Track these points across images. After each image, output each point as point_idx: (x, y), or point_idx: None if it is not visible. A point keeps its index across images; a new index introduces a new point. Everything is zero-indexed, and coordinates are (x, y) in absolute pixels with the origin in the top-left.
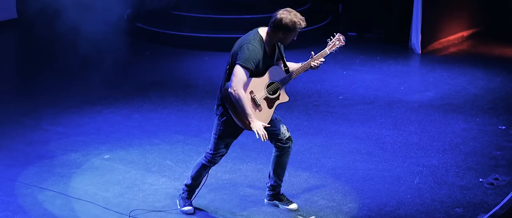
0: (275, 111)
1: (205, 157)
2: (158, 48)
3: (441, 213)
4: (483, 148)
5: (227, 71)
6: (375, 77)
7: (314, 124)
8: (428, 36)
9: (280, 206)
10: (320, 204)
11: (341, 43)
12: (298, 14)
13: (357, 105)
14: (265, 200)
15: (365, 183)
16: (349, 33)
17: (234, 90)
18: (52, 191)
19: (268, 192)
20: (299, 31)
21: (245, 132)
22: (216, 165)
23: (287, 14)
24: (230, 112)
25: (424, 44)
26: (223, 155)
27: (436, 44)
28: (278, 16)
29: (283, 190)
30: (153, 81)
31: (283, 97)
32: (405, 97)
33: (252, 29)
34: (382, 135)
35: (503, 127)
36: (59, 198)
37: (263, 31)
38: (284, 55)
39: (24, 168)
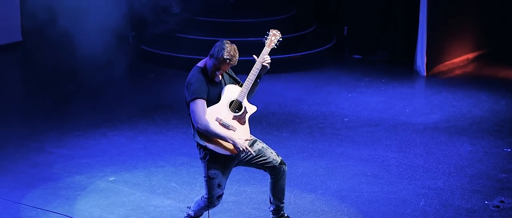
0: (260, 140)
1: (203, 201)
2: (163, 70)
3: None
4: (489, 171)
5: (189, 116)
6: (380, 100)
7: (319, 146)
8: (433, 58)
9: None
10: None
11: (278, 37)
12: (233, 50)
13: (362, 127)
14: None
15: (370, 205)
16: (354, 56)
17: (199, 124)
18: (57, 213)
19: (272, 216)
20: (228, 67)
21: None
22: (219, 202)
23: (223, 44)
24: (209, 147)
25: (429, 66)
26: (220, 196)
27: (441, 67)
28: (219, 48)
29: (288, 212)
30: (158, 104)
31: (251, 109)
32: (410, 120)
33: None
34: (388, 157)
35: (509, 149)
36: None
37: (202, 63)
38: (234, 75)
39: (28, 191)
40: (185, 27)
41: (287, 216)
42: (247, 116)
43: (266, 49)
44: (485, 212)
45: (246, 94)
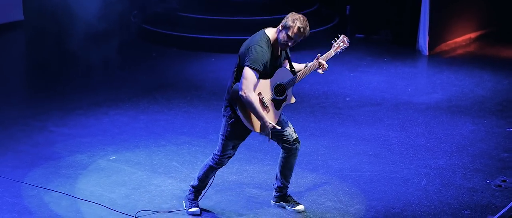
0: (282, 112)
1: (212, 158)
2: (164, 50)
3: (449, 215)
4: (491, 150)
5: (235, 73)
6: (382, 79)
7: (321, 126)
8: (436, 38)
9: (287, 207)
10: (327, 205)
11: (345, 45)
12: (305, 21)
13: (364, 107)
14: (272, 201)
15: (372, 184)
16: (356, 35)
17: (245, 93)
18: (58, 192)
19: (274, 193)
20: (301, 38)
21: (252, 133)
22: (223, 166)
23: (301, 20)
24: (238, 113)
25: (431, 46)
26: (230, 157)
27: (444, 46)
28: (291, 19)
29: (290, 191)
30: (159, 83)
31: (290, 99)
32: (412, 99)
33: (259, 30)
34: (389, 136)
35: (511, 129)
36: (65, 199)
37: (270, 31)
38: (290, 57)
39: (30, 170)
40: (187, 6)
41: (289, 195)
42: (284, 104)
43: (331, 53)
44: (487, 191)
45: (293, 85)
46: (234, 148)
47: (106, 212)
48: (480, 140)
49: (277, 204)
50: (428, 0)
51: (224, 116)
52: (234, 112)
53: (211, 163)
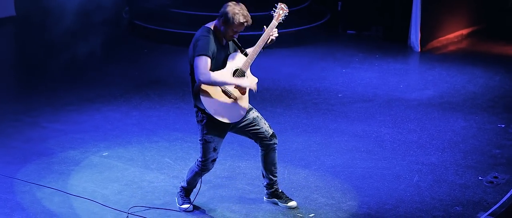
0: (256, 109)
1: (197, 165)
2: (156, 46)
3: (441, 211)
4: (483, 146)
5: (191, 77)
6: (374, 76)
7: (313, 122)
8: (428, 34)
9: (280, 203)
10: (319, 201)
11: (285, 11)
12: (245, 11)
13: (356, 103)
14: (264, 197)
15: (364, 181)
16: (348, 32)
17: (202, 77)
18: (51, 188)
19: (266, 191)
20: (242, 29)
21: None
22: (215, 163)
23: (233, 6)
24: (207, 111)
25: (423, 42)
26: (214, 160)
27: (435, 43)
28: (226, 7)
29: (282, 187)
30: (152, 79)
31: (252, 79)
32: (404, 96)
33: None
34: (382, 133)
35: (503, 125)
36: (57, 195)
37: (211, 24)
38: (239, 44)
39: (22, 165)
40: (178, 1)
41: (281, 191)
42: (248, 88)
43: (274, 23)
44: (479, 187)
45: (250, 65)
46: (216, 150)
47: (98, 208)
48: (472, 136)
49: (270, 200)
50: None
51: (197, 122)
52: (203, 111)
53: (196, 169)
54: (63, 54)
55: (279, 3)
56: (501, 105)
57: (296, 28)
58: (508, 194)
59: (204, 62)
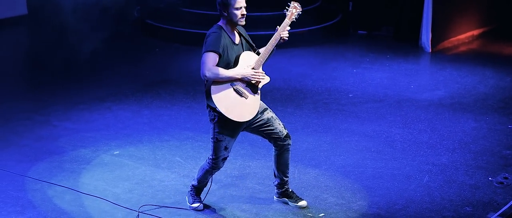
0: (271, 109)
1: (208, 163)
2: (168, 45)
3: (451, 212)
4: (493, 147)
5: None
6: (385, 76)
7: (324, 122)
8: (438, 34)
9: (290, 203)
10: (329, 201)
11: (298, 10)
12: None
13: (367, 103)
14: (275, 197)
15: (374, 181)
16: (359, 32)
17: (208, 72)
18: (62, 186)
19: (276, 190)
20: (243, 8)
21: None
22: (226, 162)
23: None
24: (218, 110)
25: (434, 42)
26: (225, 159)
27: (446, 43)
28: None
29: (292, 187)
30: (163, 78)
31: (264, 79)
32: (415, 96)
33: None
34: (392, 133)
35: None
36: (68, 194)
37: (219, 22)
38: (252, 43)
39: (33, 164)
40: (190, 1)
41: (291, 190)
42: (260, 85)
43: (287, 21)
44: (489, 188)
45: (262, 64)
46: (227, 149)
47: (109, 207)
48: (482, 137)
49: (280, 200)
50: None
51: (210, 120)
52: (215, 110)
53: (207, 167)
54: (74, 53)
55: (292, 2)
56: None
57: (307, 28)
58: None
59: (211, 58)
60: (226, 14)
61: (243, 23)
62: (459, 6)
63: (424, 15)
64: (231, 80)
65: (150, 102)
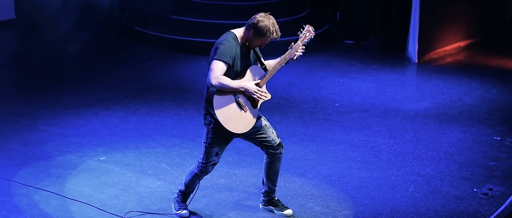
0: (265, 117)
1: (197, 166)
2: (155, 51)
3: None
4: (478, 158)
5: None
6: (372, 86)
7: (310, 131)
8: (425, 45)
9: (275, 211)
10: (315, 210)
11: (311, 34)
12: (276, 24)
13: (353, 113)
14: (260, 205)
15: (360, 190)
16: (346, 41)
17: (214, 80)
18: (48, 191)
19: (263, 198)
20: (270, 41)
21: (236, 141)
22: (213, 169)
23: (266, 19)
24: (216, 117)
25: (421, 53)
26: (215, 164)
27: (433, 54)
28: (257, 17)
29: (278, 195)
30: (150, 85)
31: (267, 96)
32: (401, 106)
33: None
34: (378, 143)
35: (498, 138)
36: (54, 199)
37: (237, 31)
38: (260, 56)
39: (19, 168)
40: (179, 8)
41: (277, 199)
42: (260, 101)
43: (299, 43)
44: (474, 199)
45: (267, 81)
46: (218, 154)
47: (95, 212)
48: (467, 148)
49: (266, 208)
50: (418, 8)
51: (204, 124)
52: (212, 116)
53: (196, 171)
54: (62, 58)
55: (307, 25)
56: (497, 118)
57: (294, 37)
58: (503, 207)
59: (220, 67)
60: (252, 36)
61: (255, 47)
62: (446, 18)
63: (411, 26)
64: (234, 92)
65: (137, 108)
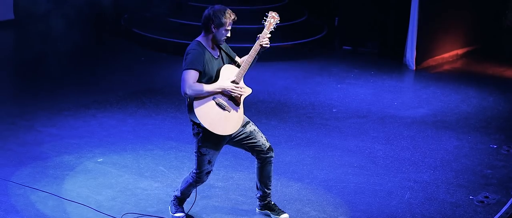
0: (253, 122)
1: (191, 176)
2: (154, 54)
3: None
4: (474, 166)
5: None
6: (369, 92)
7: (307, 136)
8: (423, 53)
9: (272, 216)
10: (311, 215)
11: (276, 20)
12: (227, 9)
13: (350, 118)
14: (257, 209)
15: (356, 196)
16: (344, 47)
17: (187, 89)
18: (45, 192)
19: (259, 202)
20: (230, 26)
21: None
22: (208, 178)
23: (213, 8)
24: (202, 125)
25: (418, 60)
26: (209, 172)
27: (431, 61)
28: (205, 12)
29: (275, 199)
30: (148, 87)
31: (246, 91)
32: (398, 113)
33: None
34: (375, 149)
35: (495, 146)
36: (51, 199)
37: (200, 38)
38: (233, 55)
39: (17, 168)
40: (177, 11)
41: (273, 203)
42: (242, 98)
43: (265, 31)
44: (470, 207)
45: (243, 76)
46: (210, 162)
47: (92, 214)
48: (464, 156)
49: (262, 212)
50: (416, 14)
51: (193, 135)
52: (199, 125)
53: (190, 180)
54: (60, 59)
55: (270, 12)
56: (494, 126)
57: (293, 42)
58: (498, 214)
59: (192, 76)
60: (213, 31)
61: (214, 46)
62: (444, 25)
63: (409, 32)
64: (212, 94)
65: (135, 111)
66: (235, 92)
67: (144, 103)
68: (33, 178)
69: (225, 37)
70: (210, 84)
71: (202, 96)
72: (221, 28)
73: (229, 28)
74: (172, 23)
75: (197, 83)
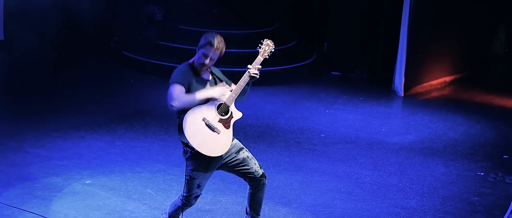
0: (247, 148)
1: (180, 199)
2: (143, 77)
3: None
4: (461, 193)
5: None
6: (357, 118)
7: (295, 160)
8: (411, 79)
9: None
10: None
11: (271, 48)
12: (219, 38)
13: (338, 144)
14: None
15: None
16: (332, 73)
17: (173, 102)
18: (33, 213)
19: None
20: (214, 53)
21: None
22: (196, 202)
23: (208, 35)
24: (191, 145)
25: (407, 87)
26: (197, 197)
27: (419, 88)
28: (204, 37)
29: None
30: (137, 110)
31: (237, 114)
32: (386, 139)
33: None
34: (362, 174)
35: (482, 173)
36: None
37: (192, 59)
38: (222, 78)
39: (5, 189)
40: (167, 35)
41: None
42: (232, 121)
43: (259, 58)
44: None
45: (234, 100)
46: (200, 186)
47: None
48: (451, 183)
49: None
50: (405, 41)
51: (184, 159)
52: (187, 145)
53: (179, 204)
54: (50, 80)
55: (265, 40)
56: (481, 153)
57: (282, 67)
58: None
59: (177, 89)
60: (199, 52)
61: (201, 69)
62: (432, 52)
63: (398, 59)
64: (202, 115)
65: (124, 133)
66: (222, 92)
67: (132, 126)
68: (21, 199)
69: (203, 62)
70: (197, 92)
71: (193, 117)
72: (200, 50)
73: (209, 54)
74: (162, 46)
75: (184, 94)
